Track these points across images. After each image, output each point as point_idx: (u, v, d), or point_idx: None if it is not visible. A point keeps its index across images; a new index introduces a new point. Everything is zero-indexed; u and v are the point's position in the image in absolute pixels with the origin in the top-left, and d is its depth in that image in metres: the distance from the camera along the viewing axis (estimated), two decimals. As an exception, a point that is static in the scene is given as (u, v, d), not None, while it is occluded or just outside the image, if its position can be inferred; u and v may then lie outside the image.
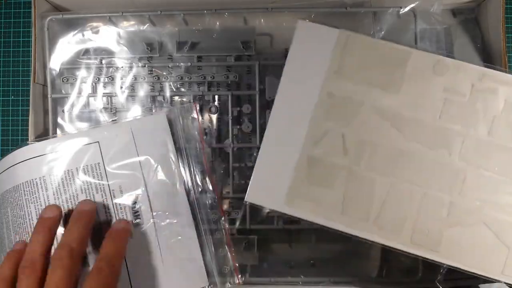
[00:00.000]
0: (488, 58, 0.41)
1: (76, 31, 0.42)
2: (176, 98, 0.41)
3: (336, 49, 0.35)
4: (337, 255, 0.40)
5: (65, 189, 0.36)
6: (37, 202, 0.36)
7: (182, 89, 0.41)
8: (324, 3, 0.40)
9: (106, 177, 0.37)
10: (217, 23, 0.42)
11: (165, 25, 0.42)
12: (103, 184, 0.37)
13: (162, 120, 0.38)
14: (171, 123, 0.39)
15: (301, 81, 0.35)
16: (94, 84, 0.42)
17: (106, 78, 0.42)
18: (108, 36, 0.42)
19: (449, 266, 0.33)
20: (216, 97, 0.41)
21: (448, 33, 0.42)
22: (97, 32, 0.42)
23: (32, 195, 0.36)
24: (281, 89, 0.36)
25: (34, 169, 0.36)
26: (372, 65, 0.35)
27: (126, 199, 0.36)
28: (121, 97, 0.42)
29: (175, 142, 0.38)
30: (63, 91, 0.42)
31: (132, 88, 0.42)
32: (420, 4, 0.40)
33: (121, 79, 0.42)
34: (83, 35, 0.42)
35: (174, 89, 0.41)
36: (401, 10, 0.40)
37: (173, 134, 0.38)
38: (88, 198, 0.36)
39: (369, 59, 0.35)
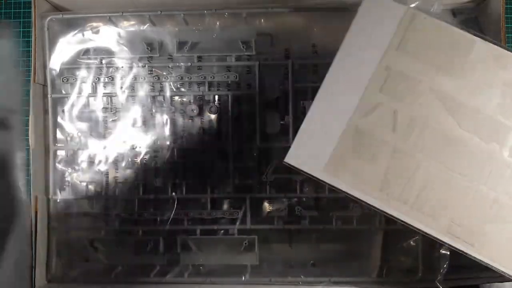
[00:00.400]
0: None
1: (76, 31, 0.42)
2: (176, 98, 0.41)
3: (400, 25, 0.34)
4: (337, 255, 0.40)
5: None
6: None
7: (182, 89, 0.41)
8: (324, 3, 0.40)
9: None
10: (217, 23, 0.42)
11: (165, 25, 0.42)
12: None
13: None
14: None
15: (360, 51, 0.35)
16: (94, 84, 0.42)
17: (106, 78, 0.42)
18: (108, 36, 0.42)
19: (483, 262, 0.33)
20: (216, 97, 0.41)
21: (448, 33, 0.41)
22: (97, 32, 0.42)
23: None
24: (338, 57, 0.35)
25: None
26: (435, 46, 0.34)
27: None
28: (121, 97, 0.42)
29: None
30: (63, 91, 0.42)
31: (132, 88, 0.42)
32: (420, 4, 0.39)
33: (121, 79, 0.42)
34: (83, 35, 0.42)
35: (174, 89, 0.41)
36: (401, 10, 0.39)
37: None
38: None
39: (432, 40, 0.34)
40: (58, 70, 0.42)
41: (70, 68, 0.42)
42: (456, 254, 0.33)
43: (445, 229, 0.33)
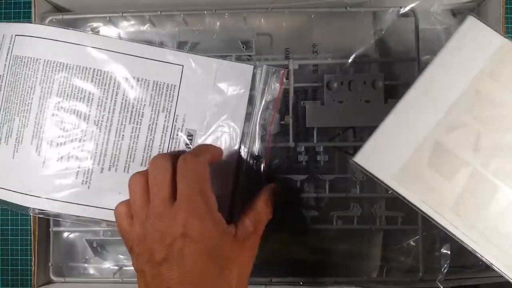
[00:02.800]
0: (488, 58, 0.41)
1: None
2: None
3: (495, 56, 0.33)
4: (337, 255, 0.40)
5: (133, 95, 0.38)
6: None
7: (182, 89, 0.41)
8: (324, 3, 0.40)
9: (176, 102, 0.38)
10: (217, 23, 0.42)
11: (165, 25, 0.42)
12: (170, 106, 0.38)
13: (247, 71, 0.38)
14: (254, 78, 0.39)
15: (452, 71, 0.33)
16: (94, 84, 0.42)
17: (106, 79, 0.42)
18: (108, 36, 0.42)
19: None
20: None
21: (448, 33, 0.42)
22: (97, 33, 0.42)
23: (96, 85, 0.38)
24: (429, 71, 0.34)
25: (106, 62, 0.38)
26: None
27: (184, 130, 0.38)
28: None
29: (250, 98, 0.38)
30: (63, 91, 0.42)
31: (132, 88, 0.42)
32: (420, 4, 0.40)
33: (121, 79, 0.42)
34: (83, 35, 0.42)
35: (174, 89, 0.41)
36: (401, 10, 0.40)
37: (251, 90, 0.38)
38: (152, 113, 0.38)
39: None
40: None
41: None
42: (457, 254, 0.33)
43: None
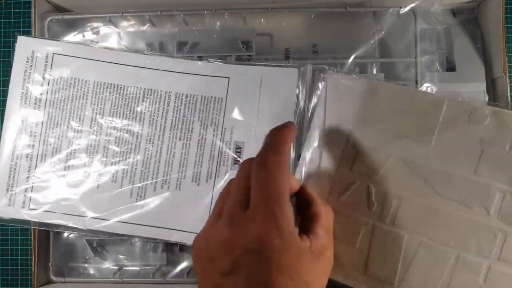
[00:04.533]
0: (488, 58, 0.41)
1: (76, 32, 0.42)
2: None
3: (363, 99, 0.33)
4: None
5: (182, 112, 0.39)
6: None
7: (182, 89, 0.41)
8: (324, 3, 0.40)
9: (224, 115, 0.38)
10: (217, 23, 0.42)
11: (165, 25, 0.42)
12: (218, 120, 0.38)
13: (292, 75, 0.38)
14: (299, 80, 0.38)
15: (328, 131, 0.33)
16: (94, 84, 0.42)
17: (106, 79, 0.42)
18: (108, 36, 0.42)
19: None
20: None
21: (448, 33, 0.42)
22: (97, 33, 0.42)
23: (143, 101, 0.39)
24: (308, 140, 0.34)
25: (154, 80, 0.39)
26: (401, 114, 0.32)
27: (233, 143, 0.38)
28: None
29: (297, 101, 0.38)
30: (63, 91, 0.42)
31: (132, 88, 0.42)
32: (420, 4, 0.40)
33: (121, 79, 0.42)
34: (83, 35, 0.42)
35: (174, 89, 0.41)
36: (401, 10, 0.40)
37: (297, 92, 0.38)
38: (201, 128, 0.38)
39: (398, 108, 0.32)
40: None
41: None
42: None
43: None
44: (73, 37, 0.42)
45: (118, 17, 0.42)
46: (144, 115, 0.39)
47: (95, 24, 0.42)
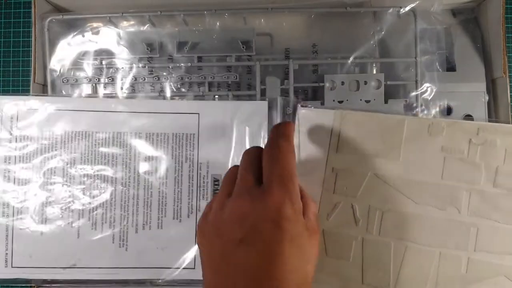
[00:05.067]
0: (488, 58, 0.41)
1: (76, 32, 0.42)
2: (177, 98, 0.41)
3: (333, 128, 0.36)
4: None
5: (155, 150, 0.38)
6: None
7: (183, 90, 0.41)
8: (324, 3, 0.40)
9: (198, 149, 0.38)
10: (217, 23, 0.42)
11: (165, 25, 0.42)
12: (192, 155, 0.38)
13: (263, 107, 0.39)
14: (269, 113, 0.39)
15: (305, 161, 0.36)
16: (94, 85, 0.42)
17: (107, 79, 0.42)
18: (108, 36, 0.42)
19: None
20: (217, 97, 0.41)
21: (448, 33, 0.42)
22: (97, 33, 0.42)
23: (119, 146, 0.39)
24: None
25: (123, 123, 0.39)
26: (369, 136, 0.35)
27: (210, 177, 0.38)
28: (121, 97, 0.42)
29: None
30: (63, 91, 0.42)
31: (133, 88, 0.42)
32: (420, 4, 0.40)
33: (121, 79, 0.42)
34: (83, 35, 0.42)
35: (175, 90, 0.41)
36: (401, 10, 0.40)
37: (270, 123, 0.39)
38: (176, 164, 0.38)
39: (365, 131, 0.35)
40: (58, 70, 0.42)
41: (70, 69, 0.42)
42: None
43: None
44: (72, 37, 0.42)
45: (118, 17, 0.42)
46: (116, 159, 0.39)
47: (95, 24, 0.42)
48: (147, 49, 0.42)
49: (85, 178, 0.38)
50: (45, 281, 0.39)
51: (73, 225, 0.38)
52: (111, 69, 0.42)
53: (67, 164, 0.39)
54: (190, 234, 0.38)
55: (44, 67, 0.42)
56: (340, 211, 0.35)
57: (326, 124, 0.36)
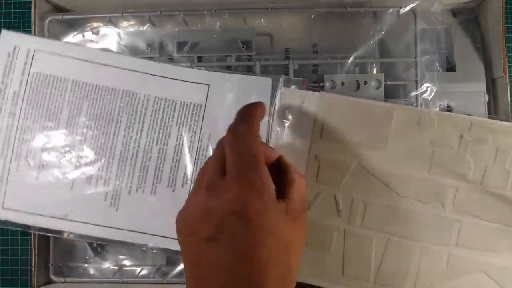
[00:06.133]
0: (488, 58, 0.41)
1: (76, 32, 0.42)
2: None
3: (318, 112, 0.35)
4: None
5: (160, 116, 0.38)
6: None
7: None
8: (324, 3, 0.40)
9: (202, 122, 0.38)
10: (217, 23, 0.42)
11: (165, 25, 0.42)
12: (196, 127, 0.38)
13: (266, 84, 0.38)
14: (273, 90, 0.38)
15: (291, 145, 0.35)
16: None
17: (106, 79, 0.42)
18: (108, 36, 0.42)
19: None
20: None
21: (448, 33, 0.42)
22: (97, 33, 0.42)
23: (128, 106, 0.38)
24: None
25: (134, 83, 0.39)
26: (355, 124, 0.35)
27: (210, 149, 0.38)
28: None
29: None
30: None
31: (132, 88, 0.42)
32: (420, 4, 0.40)
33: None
34: (83, 35, 0.42)
35: (174, 90, 0.41)
36: (401, 10, 0.40)
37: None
38: (179, 133, 0.38)
39: (352, 118, 0.35)
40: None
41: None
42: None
43: None
44: (72, 37, 0.42)
45: (118, 17, 0.42)
46: (121, 117, 0.38)
47: (95, 24, 0.42)
48: (147, 49, 0.42)
49: (89, 131, 0.38)
50: (41, 229, 0.39)
51: (68, 175, 0.38)
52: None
53: (70, 112, 0.38)
54: (182, 205, 0.38)
55: (44, 67, 0.42)
56: (322, 201, 0.35)
57: (311, 107, 0.35)
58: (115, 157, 0.38)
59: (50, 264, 0.41)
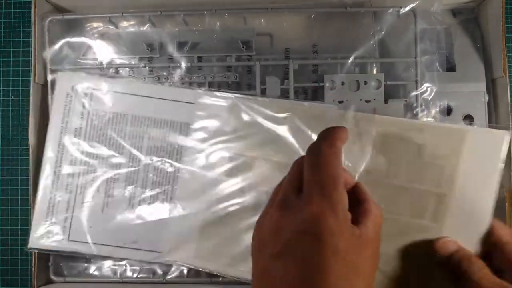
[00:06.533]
0: (488, 58, 0.41)
1: (76, 32, 0.42)
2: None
3: (230, 115, 0.38)
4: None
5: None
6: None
7: (183, 89, 0.41)
8: (324, 3, 0.40)
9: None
10: (217, 23, 0.42)
11: (165, 25, 0.42)
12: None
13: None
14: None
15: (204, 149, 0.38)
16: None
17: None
18: (108, 36, 0.42)
19: None
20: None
21: (448, 33, 0.42)
22: (97, 33, 0.42)
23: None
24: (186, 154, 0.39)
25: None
26: (257, 126, 0.37)
27: None
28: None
29: None
30: (63, 91, 0.42)
31: (133, 88, 0.42)
32: (420, 4, 0.40)
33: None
34: (83, 36, 0.42)
35: (175, 90, 0.41)
36: (401, 10, 0.40)
37: None
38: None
39: (253, 120, 0.38)
40: (58, 71, 0.42)
41: (71, 69, 0.42)
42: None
43: None
44: (73, 37, 0.42)
45: (118, 17, 0.42)
46: (180, 148, 0.40)
47: (95, 24, 0.42)
48: (147, 49, 0.42)
49: (148, 160, 0.39)
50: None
51: (133, 206, 0.39)
52: (111, 69, 0.42)
53: (131, 145, 0.40)
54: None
55: (44, 67, 0.42)
56: (233, 190, 0.38)
57: (224, 110, 0.38)
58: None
59: (50, 264, 0.41)
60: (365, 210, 0.26)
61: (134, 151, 0.39)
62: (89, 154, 0.40)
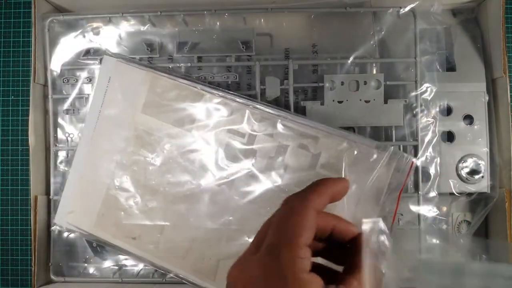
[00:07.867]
0: (488, 58, 0.41)
1: (76, 32, 0.42)
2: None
3: (142, 88, 0.38)
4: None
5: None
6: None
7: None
8: (324, 3, 0.40)
9: None
10: (217, 24, 0.42)
11: (165, 25, 0.42)
12: None
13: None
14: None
15: (115, 118, 0.39)
16: (94, 85, 0.42)
17: (107, 79, 0.42)
18: (108, 36, 0.42)
19: None
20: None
21: (448, 33, 0.42)
22: (97, 33, 0.42)
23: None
24: (90, 120, 0.40)
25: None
26: (170, 104, 0.38)
27: None
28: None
29: None
30: (63, 91, 0.43)
31: (132, 88, 0.42)
32: (420, 4, 0.40)
33: (121, 79, 0.41)
34: (83, 36, 0.42)
35: (174, 90, 0.41)
36: (401, 10, 0.40)
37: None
38: None
39: (169, 98, 0.38)
40: (58, 70, 0.42)
41: (71, 69, 0.42)
42: None
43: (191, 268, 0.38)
44: (73, 37, 0.42)
45: (118, 17, 0.42)
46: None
47: (95, 24, 0.42)
48: (147, 49, 0.42)
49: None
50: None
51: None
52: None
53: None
54: None
55: (44, 67, 0.42)
56: (135, 171, 0.39)
57: (137, 82, 0.38)
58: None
59: (50, 264, 0.41)
60: (354, 265, 0.23)
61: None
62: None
